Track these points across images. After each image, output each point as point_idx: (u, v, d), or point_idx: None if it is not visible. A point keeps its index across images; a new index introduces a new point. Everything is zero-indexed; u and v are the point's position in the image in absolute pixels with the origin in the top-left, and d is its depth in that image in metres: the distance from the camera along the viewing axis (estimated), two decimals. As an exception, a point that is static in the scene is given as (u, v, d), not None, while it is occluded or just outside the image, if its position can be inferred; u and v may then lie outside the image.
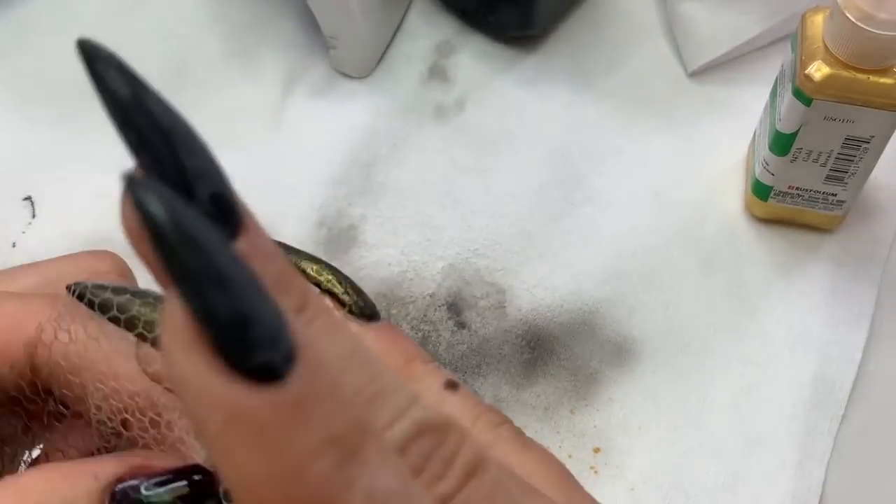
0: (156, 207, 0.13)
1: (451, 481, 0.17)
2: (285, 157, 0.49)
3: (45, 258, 0.44)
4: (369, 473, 0.14)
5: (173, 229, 0.13)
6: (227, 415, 0.13)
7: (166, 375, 0.18)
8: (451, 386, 0.23)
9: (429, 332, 0.44)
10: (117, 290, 0.23)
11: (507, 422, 0.23)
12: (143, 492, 0.20)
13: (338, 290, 0.24)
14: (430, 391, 0.23)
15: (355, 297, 0.24)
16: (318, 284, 0.24)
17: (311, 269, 0.24)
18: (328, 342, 0.15)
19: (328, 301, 0.24)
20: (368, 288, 0.45)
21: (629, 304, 0.45)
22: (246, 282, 0.14)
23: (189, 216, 0.13)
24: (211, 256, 0.13)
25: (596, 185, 0.48)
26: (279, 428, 0.13)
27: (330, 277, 0.24)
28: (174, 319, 0.13)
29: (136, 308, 0.22)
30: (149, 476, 0.21)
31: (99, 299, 0.22)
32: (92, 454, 0.24)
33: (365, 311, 0.24)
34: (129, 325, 0.22)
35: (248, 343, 0.13)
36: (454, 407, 0.23)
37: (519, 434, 0.23)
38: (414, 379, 0.23)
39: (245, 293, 0.13)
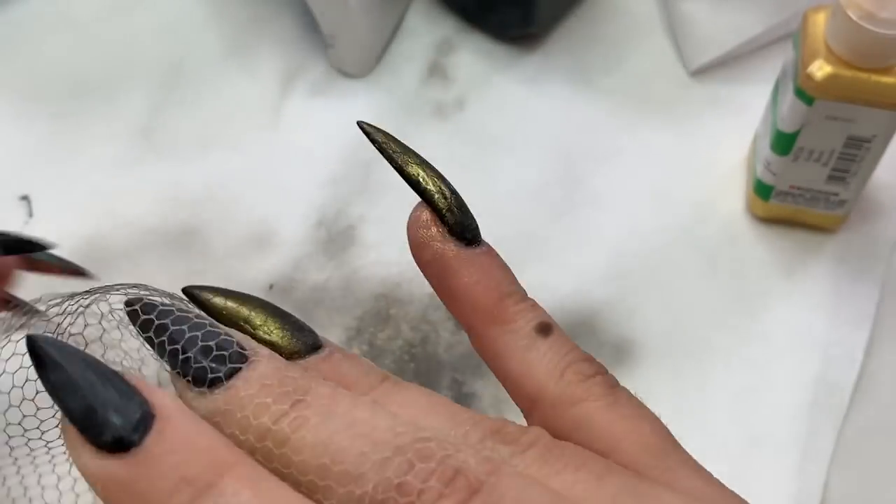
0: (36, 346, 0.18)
1: None
2: (284, 156, 0.49)
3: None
4: (225, 499, 0.17)
5: (40, 357, 0.18)
6: (103, 483, 0.17)
7: None
8: (543, 330, 0.22)
9: (428, 332, 0.44)
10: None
11: (599, 373, 0.22)
12: None
13: (442, 204, 0.24)
14: (519, 334, 0.22)
15: (459, 216, 0.24)
16: (422, 192, 0.24)
17: (419, 173, 0.24)
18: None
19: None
20: (368, 287, 0.45)
21: (630, 305, 0.45)
22: (89, 381, 0.17)
23: (49, 349, 0.18)
24: (63, 373, 0.17)
25: (596, 185, 0.48)
26: (140, 480, 0.17)
27: (436, 188, 0.24)
28: (64, 424, 0.18)
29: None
30: None
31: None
32: None
33: (467, 232, 0.23)
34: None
35: (98, 426, 0.17)
36: (542, 355, 0.22)
37: (610, 388, 0.22)
38: (503, 320, 0.22)
39: (90, 392, 0.17)
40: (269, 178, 0.48)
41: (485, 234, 0.51)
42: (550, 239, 0.46)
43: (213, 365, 0.19)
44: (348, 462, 0.18)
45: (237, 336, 0.20)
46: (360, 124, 0.24)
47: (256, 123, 0.50)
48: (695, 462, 0.22)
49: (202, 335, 0.19)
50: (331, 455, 0.18)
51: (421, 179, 0.24)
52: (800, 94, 0.40)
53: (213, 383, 0.19)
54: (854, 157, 0.42)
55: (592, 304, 0.44)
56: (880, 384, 0.43)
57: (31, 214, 0.47)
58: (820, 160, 0.42)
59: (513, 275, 0.24)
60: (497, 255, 0.24)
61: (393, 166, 0.24)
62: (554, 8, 0.51)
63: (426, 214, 0.24)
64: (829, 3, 0.39)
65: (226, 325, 0.21)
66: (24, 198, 0.47)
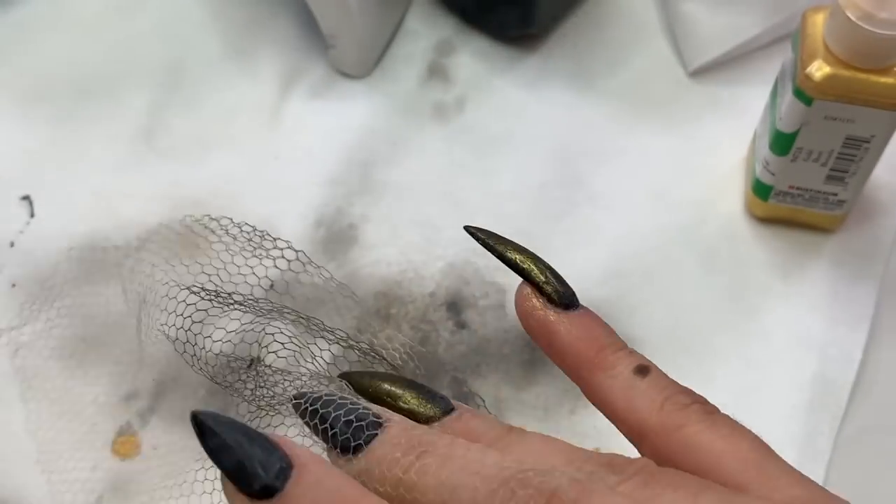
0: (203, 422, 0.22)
1: None
2: (284, 157, 0.49)
3: (44, 257, 0.44)
4: None
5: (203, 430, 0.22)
6: None
7: None
8: (641, 371, 0.25)
9: (429, 331, 0.44)
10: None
11: (696, 402, 0.25)
12: None
13: (539, 279, 0.27)
14: (620, 378, 0.25)
15: (556, 286, 0.27)
16: (521, 272, 0.27)
17: (516, 257, 0.27)
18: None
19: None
20: (367, 287, 0.45)
21: (629, 305, 0.45)
22: (241, 442, 0.21)
23: (207, 420, 0.22)
24: (218, 438, 0.22)
25: (596, 185, 0.48)
26: None
27: (532, 266, 0.27)
28: (222, 480, 0.22)
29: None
30: None
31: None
32: None
33: (563, 299, 0.27)
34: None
35: (248, 478, 0.21)
36: (642, 392, 0.25)
37: (707, 414, 0.24)
38: (605, 367, 0.26)
39: (239, 450, 0.21)
40: (269, 179, 0.49)
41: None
42: (550, 239, 0.46)
43: (355, 434, 0.23)
44: (464, 497, 0.21)
45: (374, 408, 0.24)
46: (468, 229, 0.28)
47: (256, 124, 0.50)
48: (796, 472, 0.24)
49: (345, 412, 0.23)
50: (449, 492, 0.22)
51: (518, 261, 0.27)
52: (799, 94, 0.40)
53: (356, 450, 0.23)
54: (853, 157, 0.42)
55: (592, 303, 0.44)
56: (879, 383, 0.43)
57: (32, 214, 0.47)
58: (819, 160, 0.42)
59: (610, 328, 0.27)
60: (594, 314, 0.27)
61: (494, 255, 0.27)
62: (554, 9, 0.51)
63: (527, 289, 0.27)
64: (827, 3, 0.40)
65: (373, 401, 0.25)
66: (26, 198, 0.47)
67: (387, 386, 0.27)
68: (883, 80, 0.39)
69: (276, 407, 0.33)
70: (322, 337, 0.34)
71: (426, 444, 0.23)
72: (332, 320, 0.44)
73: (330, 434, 0.23)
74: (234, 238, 0.34)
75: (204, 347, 0.32)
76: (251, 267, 0.37)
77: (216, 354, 0.33)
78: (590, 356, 0.26)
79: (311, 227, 0.47)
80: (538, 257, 0.27)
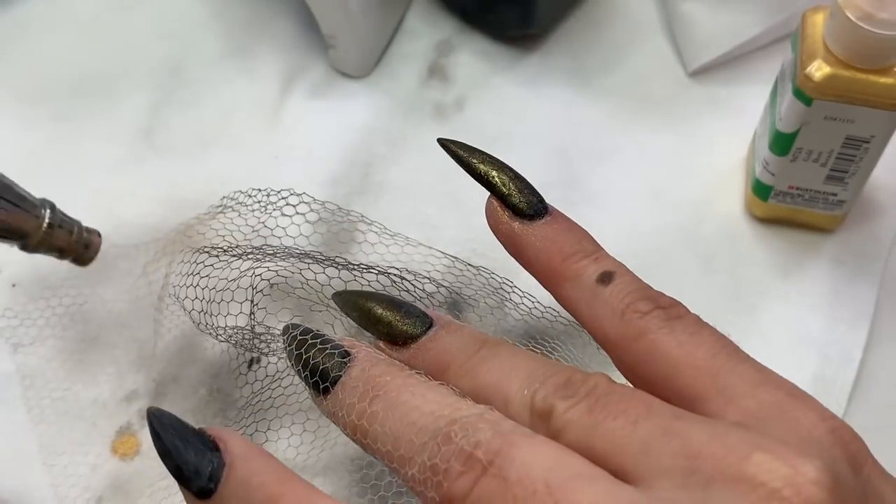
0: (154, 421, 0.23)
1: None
2: (284, 157, 0.49)
3: (44, 257, 0.44)
4: None
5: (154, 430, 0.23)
6: None
7: None
8: (604, 279, 0.25)
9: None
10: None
11: (658, 307, 0.24)
12: None
13: (502, 191, 0.27)
14: (583, 287, 0.25)
15: (521, 196, 0.27)
16: (486, 183, 0.27)
17: (481, 168, 0.28)
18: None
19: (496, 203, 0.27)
20: (367, 287, 0.45)
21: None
22: (178, 448, 0.23)
23: (154, 422, 0.23)
24: (162, 443, 0.23)
25: (595, 185, 0.48)
26: None
27: (497, 178, 0.28)
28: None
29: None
30: None
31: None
32: None
33: (530, 208, 0.27)
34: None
35: (186, 481, 0.22)
36: (604, 302, 0.25)
37: (666, 320, 0.24)
38: (569, 276, 0.26)
39: (176, 456, 0.23)
40: (268, 179, 0.48)
41: (485, 234, 0.51)
42: (550, 239, 0.46)
43: (323, 375, 0.24)
44: (403, 448, 0.22)
45: (344, 344, 0.25)
46: (441, 141, 0.29)
47: (256, 123, 0.50)
48: (759, 374, 0.23)
49: (314, 353, 0.25)
50: (392, 442, 0.23)
51: (482, 172, 0.28)
52: (798, 94, 0.40)
53: (325, 392, 0.24)
54: (852, 157, 0.42)
55: (592, 303, 0.44)
56: (878, 383, 0.43)
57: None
58: (818, 160, 0.42)
59: (579, 235, 0.27)
60: (562, 221, 0.27)
61: (461, 166, 0.28)
62: (553, 9, 0.51)
63: (494, 202, 0.27)
64: (827, 3, 0.40)
65: (360, 319, 0.27)
66: (25, 198, 0.47)
67: (368, 305, 0.27)
68: (883, 80, 0.39)
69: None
70: (351, 269, 0.35)
71: (379, 387, 0.23)
72: (332, 320, 0.44)
73: (303, 376, 0.25)
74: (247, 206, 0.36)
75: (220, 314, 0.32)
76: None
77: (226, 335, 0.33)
78: (553, 266, 0.26)
79: (311, 226, 0.47)
80: (507, 167, 0.28)
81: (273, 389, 0.42)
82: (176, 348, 0.43)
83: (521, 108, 0.50)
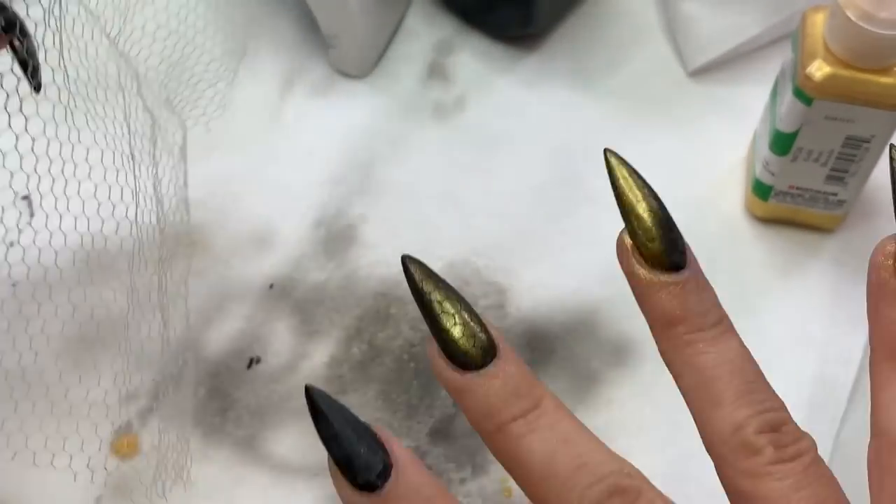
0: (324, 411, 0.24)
1: None
2: (284, 157, 0.49)
3: (44, 257, 0.44)
4: None
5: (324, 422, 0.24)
6: None
7: None
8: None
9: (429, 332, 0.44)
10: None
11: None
12: None
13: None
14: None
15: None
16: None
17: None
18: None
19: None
20: (367, 287, 0.45)
21: (630, 304, 0.44)
22: (349, 436, 0.23)
23: (322, 404, 0.24)
24: (331, 428, 0.23)
25: (596, 185, 0.48)
26: None
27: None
28: (330, 464, 0.24)
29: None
30: None
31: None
32: None
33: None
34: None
35: (353, 472, 0.23)
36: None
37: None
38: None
39: (347, 445, 0.23)
40: (269, 178, 0.49)
41: (485, 234, 0.51)
42: (550, 239, 0.46)
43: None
44: None
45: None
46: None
47: (256, 123, 0.50)
48: None
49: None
50: None
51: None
52: (798, 94, 0.40)
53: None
54: (853, 157, 0.42)
55: (592, 303, 0.45)
56: (879, 384, 0.43)
57: (32, 214, 0.47)
58: (819, 160, 0.42)
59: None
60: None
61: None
62: (553, 9, 0.51)
63: (892, 246, 0.26)
64: (827, 3, 0.40)
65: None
66: (26, 198, 0.47)
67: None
68: (883, 80, 0.39)
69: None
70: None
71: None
72: (331, 319, 0.44)
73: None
74: None
75: None
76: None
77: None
78: (893, 345, 0.26)
79: (311, 226, 0.47)
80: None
81: (272, 390, 0.42)
82: (176, 348, 0.43)
83: (521, 108, 0.50)
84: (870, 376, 0.26)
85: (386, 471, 0.23)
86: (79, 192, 0.48)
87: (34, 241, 0.46)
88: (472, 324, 0.24)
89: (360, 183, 0.48)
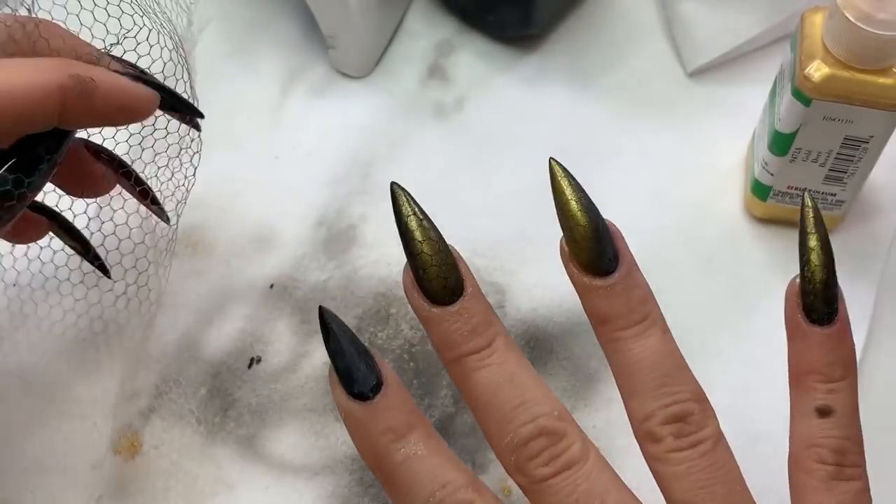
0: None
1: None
2: (284, 157, 0.49)
3: (44, 256, 0.44)
4: (406, 448, 0.28)
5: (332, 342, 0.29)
6: (345, 414, 0.28)
7: None
8: (821, 413, 0.29)
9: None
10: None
11: (830, 465, 0.29)
12: None
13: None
14: (802, 404, 0.30)
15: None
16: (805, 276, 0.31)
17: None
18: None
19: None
20: (367, 287, 0.45)
21: (628, 304, 0.45)
22: (352, 353, 0.28)
23: (332, 324, 0.29)
24: (338, 344, 0.28)
25: (595, 185, 0.48)
26: (367, 421, 0.28)
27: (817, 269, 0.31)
28: (331, 372, 0.29)
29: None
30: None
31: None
32: None
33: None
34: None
35: (351, 382, 0.28)
36: (806, 428, 0.30)
37: (827, 481, 0.29)
38: (801, 388, 0.30)
39: (349, 359, 0.28)
40: (269, 178, 0.49)
41: (485, 234, 0.51)
42: (550, 239, 0.46)
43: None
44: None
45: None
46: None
47: (256, 124, 0.50)
48: None
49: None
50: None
51: (812, 263, 0.31)
52: (797, 94, 0.40)
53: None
54: (851, 157, 0.42)
55: (591, 303, 0.45)
56: (877, 383, 0.43)
57: (32, 214, 0.47)
58: (817, 161, 0.42)
59: (836, 359, 0.30)
60: (835, 339, 0.30)
61: (802, 241, 0.31)
62: (553, 9, 0.52)
63: (797, 286, 0.31)
64: (826, 4, 0.40)
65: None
66: (26, 198, 0.47)
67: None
68: (882, 80, 0.39)
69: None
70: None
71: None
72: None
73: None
74: None
75: None
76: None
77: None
78: (797, 372, 0.30)
79: (311, 226, 0.47)
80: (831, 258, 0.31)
81: (273, 389, 0.43)
82: (176, 348, 0.43)
83: (521, 108, 0.51)
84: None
85: (378, 386, 0.28)
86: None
87: (35, 242, 0.46)
88: (444, 265, 0.29)
89: (360, 183, 0.48)
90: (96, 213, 0.44)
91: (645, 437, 0.29)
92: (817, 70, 0.39)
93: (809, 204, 0.30)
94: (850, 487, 0.29)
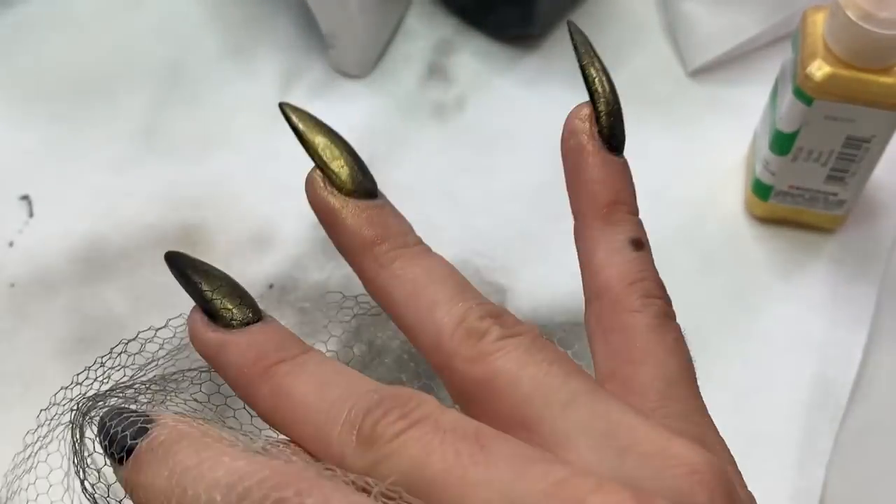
0: None
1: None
2: (284, 157, 0.49)
3: (43, 257, 0.44)
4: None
5: None
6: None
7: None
8: (636, 244, 0.26)
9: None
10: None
11: (661, 298, 0.25)
12: None
13: (602, 108, 0.27)
14: (614, 237, 0.26)
15: (612, 123, 0.27)
16: (593, 95, 0.27)
17: (596, 78, 0.27)
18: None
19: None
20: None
21: (629, 304, 0.45)
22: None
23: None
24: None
25: (596, 185, 0.48)
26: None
27: (608, 95, 0.27)
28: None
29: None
30: None
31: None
32: None
33: (612, 140, 0.26)
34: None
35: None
36: (624, 260, 0.25)
37: (665, 317, 0.25)
38: (609, 221, 0.26)
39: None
40: (269, 178, 0.48)
41: (485, 234, 0.51)
42: (550, 239, 0.46)
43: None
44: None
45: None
46: (570, 24, 0.28)
47: (256, 123, 0.50)
48: (700, 419, 0.24)
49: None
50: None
51: (595, 81, 0.27)
52: (799, 94, 0.40)
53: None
54: (853, 157, 0.42)
55: (592, 303, 0.44)
56: (879, 383, 0.43)
57: (31, 214, 0.47)
58: (819, 160, 0.42)
59: (633, 191, 0.26)
60: (628, 169, 0.26)
61: (579, 64, 0.28)
62: (553, 9, 0.51)
63: (587, 110, 0.27)
64: (827, 3, 0.40)
65: (307, 151, 0.26)
66: (25, 198, 0.47)
67: (322, 141, 0.27)
68: (883, 79, 0.39)
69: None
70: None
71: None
72: (331, 319, 0.44)
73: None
74: None
75: None
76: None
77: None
78: (600, 203, 0.26)
79: (311, 226, 0.47)
80: (616, 91, 0.27)
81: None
82: (176, 348, 0.43)
83: (521, 108, 0.50)
84: (577, 241, 0.26)
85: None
86: (77, 191, 0.48)
87: (34, 241, 0.46)
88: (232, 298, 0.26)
89: (359, 183, 0.48)
90: (96, 211, 0.44)
91: (464, 340, 0.23)
92: (819, 69, 0.39)
93: (576, 35, 0.28)
94: (677, 327, 0.25)
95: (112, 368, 0.28)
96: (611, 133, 0.27)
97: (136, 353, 0.29)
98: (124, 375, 0.28)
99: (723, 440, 0.24)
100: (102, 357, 0.28)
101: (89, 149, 0.49)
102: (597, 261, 0.26)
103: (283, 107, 0.26)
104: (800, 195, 0.44)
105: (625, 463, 0.21)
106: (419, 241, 0.26)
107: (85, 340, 0.43)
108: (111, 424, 0.22)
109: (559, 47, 0.52)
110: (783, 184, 0.44)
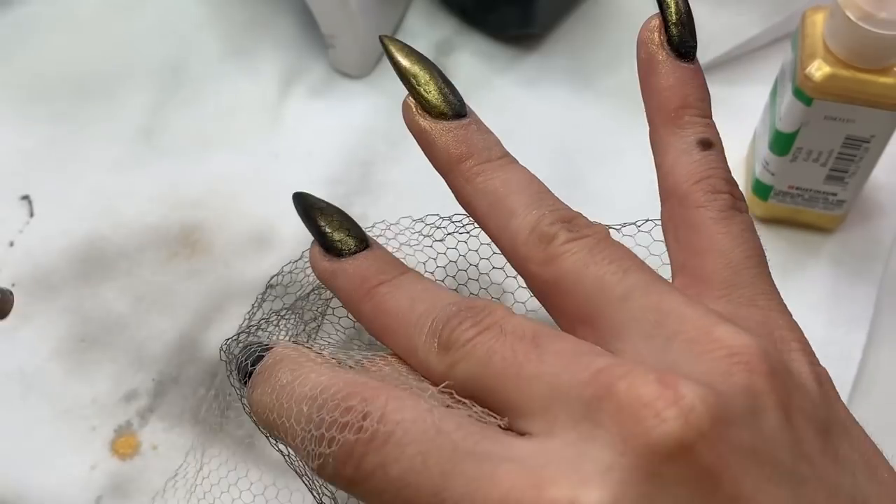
0: None
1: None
2: (284, 157, 0.49)
3: (44, 257, 0.44)
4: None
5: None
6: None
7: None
8: (704, 144, 0.27)
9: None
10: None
11: (730, 193, 0.26)
12: None
13: (672, 18, 0.28)
14: (683, 139, 0.27)
15: (681, 32, 0.28)
16: (662, 4, 0.28)
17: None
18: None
19: None
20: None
21: (629, 304, 0.45)
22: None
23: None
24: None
25: (596, 185, 0.48)
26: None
27: (678, 4, 0.28)
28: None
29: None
30: None
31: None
32: None
33: (681, 47, 0.28)
34: None
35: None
36: (692, 161, 0.27)
37: (730, 209, 0.26)
38: (678, 124, 0.27)
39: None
40: (269, 178, 0.49)
41: (485, 234, 0.51)
42: (550, 239, 0.46)
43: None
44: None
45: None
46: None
47: (256, 123, 0.50)
48: (766, 303, 0.25)
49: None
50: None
51: (414, 75, 0.28)
52: (798, 94, 0.40)
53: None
54: (852, 157, 0.42)
55: (592, 303, 0.44)
56: (878, 384, 0.43)
57: (31, 214, 0.47)
58: (818, 160, 0.42)
59: (705, 95, 0.28)
60: (701, 75, 0.28)
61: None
62: (554, 8, 0.51)
63: (657, 21, 0.28)
64: (827, 3, 0.40)
65: (400, 78, 0.28)
66: (25, 197, 0.47)
67: (415, 69, 0.28)
68: (883, 79, 0.39)
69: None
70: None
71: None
72: (331, 319, 0.44)
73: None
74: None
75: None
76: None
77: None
78: (670, 107, 0.27)
79: (310, 226, 0.47)
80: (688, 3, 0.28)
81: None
82: (175, 348, 0.43)
83: (522, 108, 0.50)
84: (652, 147, 0.28)
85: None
86: (78, 191, 0.48)
87: (35, 241, 0.46)
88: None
89: (360, 183, 0.48)
90: (96, 211, 0.44)
91: (535, 244, 0.26)
92: (818, 69, 0.39)
93: None
94: (745, 218, 0.26)
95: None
96: (680, 40, 0.28)
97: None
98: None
99: (792, 321, 0.26)
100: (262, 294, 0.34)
101: (89, 149, 0.49)
102: (667, 163, 0.27)
103: (382, 38, 0.28)
104: (799, 195, 0.44)
105: (670, 350, 0.22)
106: (503, 154, 0.28)
107: (85, 340, 0.43)
108: (241, 357, 0.27)
109: (559, 47, 0.52)
110: (783, 184, 0.44)
